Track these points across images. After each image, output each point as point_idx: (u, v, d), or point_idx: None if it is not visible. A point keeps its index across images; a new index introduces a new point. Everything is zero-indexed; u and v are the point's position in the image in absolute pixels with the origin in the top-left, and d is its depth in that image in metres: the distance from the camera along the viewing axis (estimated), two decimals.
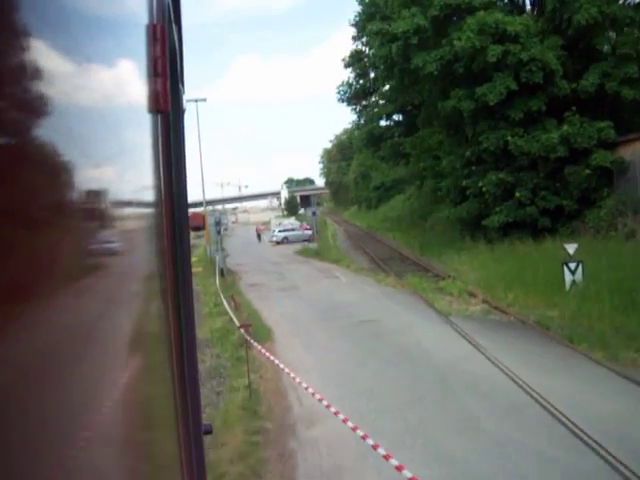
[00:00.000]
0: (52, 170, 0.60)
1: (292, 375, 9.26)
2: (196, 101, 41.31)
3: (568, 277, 16.04)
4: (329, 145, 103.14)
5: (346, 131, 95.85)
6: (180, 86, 1.96)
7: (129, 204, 1.11)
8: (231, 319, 16.51)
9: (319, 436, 8.26)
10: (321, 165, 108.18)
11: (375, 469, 6.90)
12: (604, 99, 24.76)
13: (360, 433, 6.57)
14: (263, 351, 11.06)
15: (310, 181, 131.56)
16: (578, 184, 24.21)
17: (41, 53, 0.57)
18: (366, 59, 44.88)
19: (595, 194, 24.26)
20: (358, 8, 43.26)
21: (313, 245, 40.87)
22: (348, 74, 47.81)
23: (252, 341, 10.87)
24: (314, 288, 22.28)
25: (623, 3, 25.80)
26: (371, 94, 46.55)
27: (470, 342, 12.40)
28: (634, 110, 25.11)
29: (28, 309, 0.52)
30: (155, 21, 1.34)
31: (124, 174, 1.08)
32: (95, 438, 0.73)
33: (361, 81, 45.85)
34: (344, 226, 61.35)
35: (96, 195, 0.80)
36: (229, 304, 19.05)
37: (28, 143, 0.54)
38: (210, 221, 30.79)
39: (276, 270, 29.43)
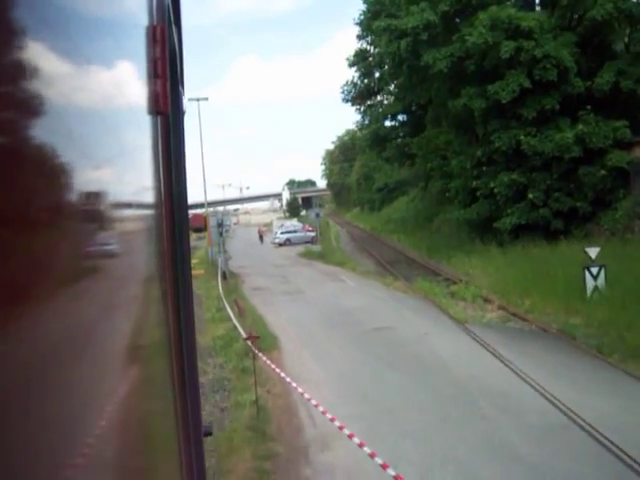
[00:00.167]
0: (52, 172, 0.60)
1: (300, 390, 8.49)
2: (198, 100, 40.65)
3: (590, 282, 15.22)
4: (331, 146, 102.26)
5: (348, 132, 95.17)
6: (180, 88, 1.96)
7: (129, 206, 1.12)
8: (235, 326, 15.74)
9: (336, 462, 7.44)
10: (323, 166, 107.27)
11: None
12: (618, 98, 23.96)
13: (379, 461, 5.80)
14: (269, 362, 10.29)
15: (312, 183, 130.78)
16: (593, 185, 23.39)
17: (42, 55, 0.58)
18: (371, 58, 44.17)
19: (610, 195, 23.44)
20: (362, 7, 42.62)
21: (316, 247, 40.10)
22: (352, 73, 47.19)
23: (258, 352, 10.05)
24: (320, 292, 21.45)
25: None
26: (376, 94, 45.81)
27: (492, 353, 11.57)
28: None
29: (27, 312, 0.52)
30: (155, 23, 1.36)
31: (124, 176, 1.08)
32: (95, 440, 0.73)
33: (366, 80, 45.11)
34: (347, 228, 60.57)
35: (96, 197, 0.80)
36: (232, 309, 18.25)
37: (28, 144, 0.54)
38: (212, 222, 29.94)
39: (280, 273, 28.61)
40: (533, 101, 23.53)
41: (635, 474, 6.48)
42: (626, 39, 25.67)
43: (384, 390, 9.82)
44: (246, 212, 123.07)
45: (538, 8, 27.00)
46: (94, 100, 0.86)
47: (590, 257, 15.39)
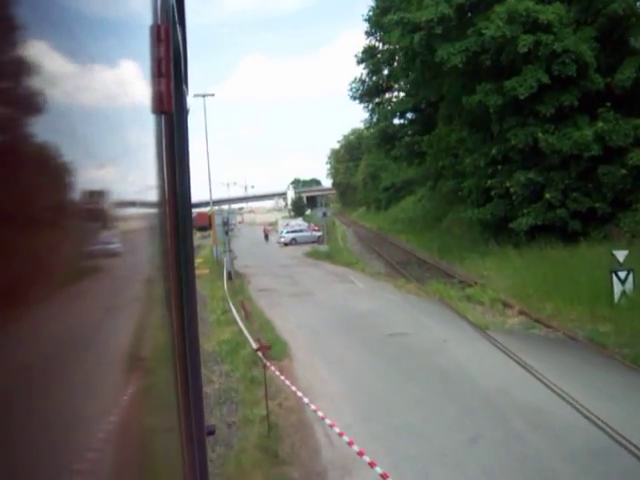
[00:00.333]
0: (56, 170, 0.61)
1: (313, 407, 7.72)
2: (204, 96, 39.93)
3: (617, 287, 14.40)
4: (337, 145, 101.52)
5: (354, 131, 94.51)
6: (184, 87, 1.95)
7: (133, 204, 1.13)
8: (241, 330, 14.98)
9: None
10: (328, 166, 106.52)
11: None
12: (638, 94, 23.08)
13: None
14: (280, 373, 9.52)
15: (317, 182, 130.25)
16: (612, 185, 22.53)
17: (46, 54, 0.58)
18: (380, 55, 43.39)
19: (631, 196, 22.54)
20: (371, 3, 41.91)
21: (323, 247, 39.34)
22: (360, 71, 46.45)
23: (269, 364, 9.27)
24: (329, 294, 20.65)
25: None
26: (384, 91, 45.03)
27: (518, 363, 10.76)
28: None
29: (30, 311, 0.52)
30: (159, 22, 1.36)
31: (128, 175, 1.09)
32: (98, 440, 0.73)
33: (374, 78, 44.32)
34: (353, 227, 59.82)
35: (100, 196, 0.81)
36: (238, 312, 17.47)
37: (32, 143, 0.55)
38: (218, 221, 29.18)
39: (286, 273, 27.82)
40: (551, 97, 22.68)
41: None
42: None
43: (406, 405, 9.02)
44: (251, 211, 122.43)
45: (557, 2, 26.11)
46: (98, 99, 0.86)
47: (618, 260, 14.56)
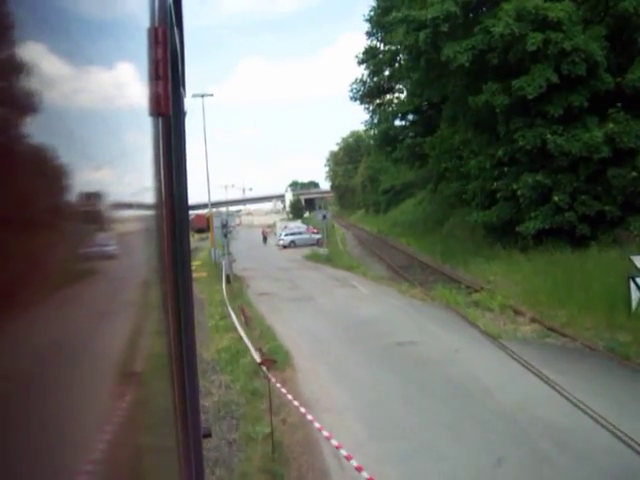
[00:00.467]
0: (53, 173, 0.61)
1: (318, 425, 7.07)
2: (202, 96, 39.37)
3: (635, 294, 13.74)
4: (335, 148, 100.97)
5: (353, 134, 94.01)
6: (181, 89, 1.96)
7: (130, 207, 1.14)
8: (241, 337, 14.30)
9: None
10: (327, 168, 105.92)
11: None
12: None
13: None
14: (284, 385, 8.86)
15: (315, 184, 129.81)
16: (622, 188, 21.89)
17: (44, 56, 0.59)
18: (381, 55, 42.84)
19: None
20: (372, 3, 41.42)
21: (323, 250, 38.67)
22: (361, 72, 45.91)
23: (271, 375, 8.59)
24: (331, 299, 19.98)
25: None
26: (386, 92, 44.46)
27: (537, 375, 10.11)
28: None
29: (25, 315, 0.52)
30: (157, 24, 1.35)
31: (125, 177, 1.09)
32: (94, 441, 0.73)
33: (375, 78, 43.77)
34: (352, 230, 59.26)
35: (97, 198, 0.81)
36: (238, 317, 16.78)
37: (29, 145, 0.55)
38: (216, 223, 28.48)
39: (286, 277, 27.13)
40: (559, 98, 22.05)
41: None
42: None
43: (421, 422, 8.35)
44: (249, 213, 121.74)
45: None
46: (95, 101, 0.86)
47: (636, 266, 13.91)
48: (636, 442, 7.16)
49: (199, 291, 23.63)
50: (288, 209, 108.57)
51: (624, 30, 22.94)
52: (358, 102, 44.59)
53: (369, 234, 51.85)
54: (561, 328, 13.60)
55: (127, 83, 1.14)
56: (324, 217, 41.31)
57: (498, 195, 24.38)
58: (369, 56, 43.25)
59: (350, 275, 26.86)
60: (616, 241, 21.31)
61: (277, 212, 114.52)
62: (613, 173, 21.83)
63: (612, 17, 22.52)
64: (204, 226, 46.13)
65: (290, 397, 8.29)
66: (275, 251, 45.57)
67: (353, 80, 45.02)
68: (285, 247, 46.91)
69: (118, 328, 0.96)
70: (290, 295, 21.46)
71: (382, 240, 43.99)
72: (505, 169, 23.85)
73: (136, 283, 1.18)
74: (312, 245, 43.88)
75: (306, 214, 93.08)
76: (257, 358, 11.63)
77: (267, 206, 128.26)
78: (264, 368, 8.26)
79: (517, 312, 15.49)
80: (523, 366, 10.75)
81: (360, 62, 43.85)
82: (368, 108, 45.44)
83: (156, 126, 1.38)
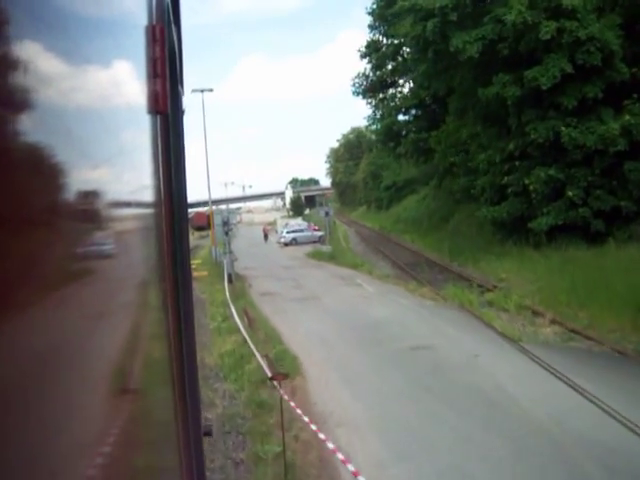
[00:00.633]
0: (50, 171, 0.61)
1: (331, 446, 6.32)
2: (202, 92, 38.47)
3: None
4: (336, 144, 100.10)
5: (354, 130, 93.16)
6: (179, 87, 1.95)
7: (128, 205, 1.13)
8: (245, 340, 13.54)
9: None
10: (327, 165, 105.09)
11: None
12: None
13: None
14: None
15: (315, 181, 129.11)
16: (638, 182, 21.07)
17: (41, 54, 0.59)
18: (384, 48, 42.02)
19: None
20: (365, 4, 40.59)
21: (326, 248, 37.85)
22: (364, 65, 45.19)
23: (282, 391, 7.80)
24: (337, 299, 19.18)
25: None
26: (389, 87, 43.64)
27: (566, 383, 9.33)
28: None
29: (22, 315, 0.52)
30: (154, 22, 1.35)
31: (123, 175, 1.09)
32: (95, 439, 0.74)
33: (378, 72, 42.94)
34: (354, 227, 58.42)
35: (95, 196, 0.81)
36: (241, 319, 16.01)
37: (27, 144, 0.55)
38: (217, 221, 27.67)
39: (289, 276, 26.33)
40: (573, 89, 21.21)
41: None
42: None
43: (445, 438, 7.56)
44: (249, 211, 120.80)
45: None
46: (93, 100, 0.86)
47: None
48: None
49: (200, 291, 22.87)
50: (288, 206, 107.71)
51: (639, 18, 22.12)
52: (361, 97, 43.83)
53: (371, 231, 51.04)
54: (584, 330, 12.83)
55: (125, 81, 1.13)
56: (327, 214, 40.47)
57: (508, 190, 23.56)
58: (372, 50, 42.42)
59: (355, 273, 26.08)
60: (632, 237, 20.53)
61: (277, 209, 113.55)
62: (629, 167, 20.98)
63: (626, 5, 21.69)
64: (204, 224, 45.41)
65: (300, 412, 7.53)
66: (276, 249, 44.76)
67: (356, 74, 44.26)
68: (286, 245, 46.11)
69: (118, 327, 0.94)
70: (294, 295, 20.67)
71: (385, 237, 43.21)
72: (516, 163, 23.02)
73: (136, 281, 1.17)
74: (314, 243, 43.10)
75: (306, 211, 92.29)
76: (263, 364, 10.88)
77: (267, 203, 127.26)
78: (275, 383, 7.46)
79: (535, 313, 14.71)
80: (549, 372, 9.97)
81: (363, 56, 43.05)
82: (371, 103, 44.64)
83: (154, 124, 1.37)
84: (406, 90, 41.52)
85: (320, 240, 43.02)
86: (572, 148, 21.16)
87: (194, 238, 55.50)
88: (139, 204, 1.25)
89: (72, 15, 0.73)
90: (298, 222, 61.27)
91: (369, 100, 44.17)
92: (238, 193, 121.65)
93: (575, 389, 9.03)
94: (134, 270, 1.16)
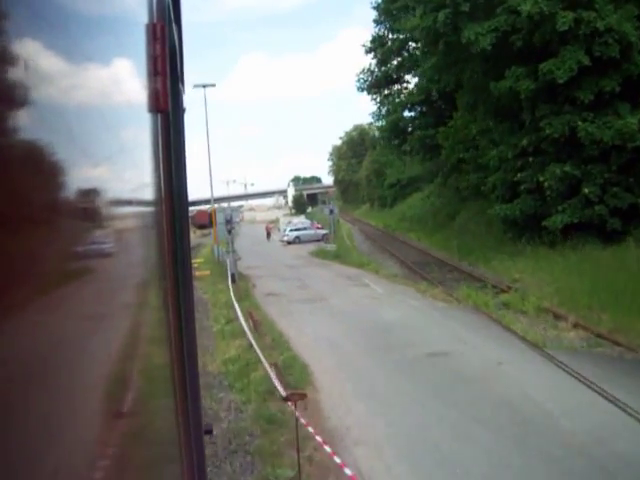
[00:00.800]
0: (51, 169, 0.61)
1: (349, 472, 5.59)
2: (204, 87, 37.69)
3: None
4: (338, 142, 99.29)
5: (357, 127, 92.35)
6: (180, 85, 1.93)
7: (129, 203, 1.12)
8: (250, 344, 12.80)
9: None
10: (330, 162, 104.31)
11: None
12: None
13: None
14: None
15: (317, 179, 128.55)
16: None
17: (42, 52, 0.59)
18: (390, 43, 41.26)
19: None
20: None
21: (330, 246, 37.06)
22: (369, 61, 44.41)
23: (291, 403, 7.04)
24: (345, 300, 18.41)
25: None
26: (394, 82, 42.85)
27: (601, 395, 8.57)
28: None
29: (23, 312, 0.52)
30: (155, 20, 1.35)
31: (124, 173, 1.09)
32: (96, 438, 0.73)
33: (383, 68, 42.16)
34: (358, 225, 57.63)
35: (95, 194, 0.80)
36: (246, 321, 15.27)
37: (27, 142, 0.55)
38: (219, 219, 26.90)
39: (294, 275, 25.57)
40: (589, 83, 20.43)
41: None
42: None
43: (481, 463, 6.79)
44: (251, 209, 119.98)
45: None
46: (94, 98, 0.86)
47: None
48: None
49: (202, 291, 22.14)
50: (291, 204, 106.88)
51: None
52: (365, 92, 43.01)
53: (376, 229, 50.27)
54: (610, 335, 12.08)
55: (126, 79, 1.12)
56: (331, 212, 39.69)
57: (521, 187, 22.79)
58: (377, 45, 41.65)
59: (361, 273, 25.32)
60: None
61: (279, 207, 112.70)
62: None
63: None
64: (206, 222, 44.68)
65: (312, 430, 6.79)
66: (279, 247, 43.98)
67: (360, 70, 43.48)
68: (289, 243, 45.32)
69: (118, 326, 0.93)
70: (300, 295, 19.92)
71: (390, 235, 42.44)
72: (530, 159, 22.24)
73: (136, 280, 1.15)
74: (317, 241, 42.31)
75: (309, 209, 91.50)
76: (272, 374, 10.12)
77: (269, 201, 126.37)
78: (290, 404, 6.71)
79: (556, 316, 13.95)
80: (581, 382, 9.22)
81: (367, 51, 42.28)
82: (375, 99, 43.85)
83: (155, 122, 1.37)
84: (412, 86, 40.71)
85: (324, 238, 42.23)
86: (589, 143, 20.40)
87: (196, 236, 54.78)
88: (139, 202, 1.24)
89: (73, 13, 0.73)
90: (301, 220, 60.41)
91: (374, 96, 43.38)
92: (240, 191, 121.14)
93: (614, 403, 8.27)
94: (134, 269, 1.14)
